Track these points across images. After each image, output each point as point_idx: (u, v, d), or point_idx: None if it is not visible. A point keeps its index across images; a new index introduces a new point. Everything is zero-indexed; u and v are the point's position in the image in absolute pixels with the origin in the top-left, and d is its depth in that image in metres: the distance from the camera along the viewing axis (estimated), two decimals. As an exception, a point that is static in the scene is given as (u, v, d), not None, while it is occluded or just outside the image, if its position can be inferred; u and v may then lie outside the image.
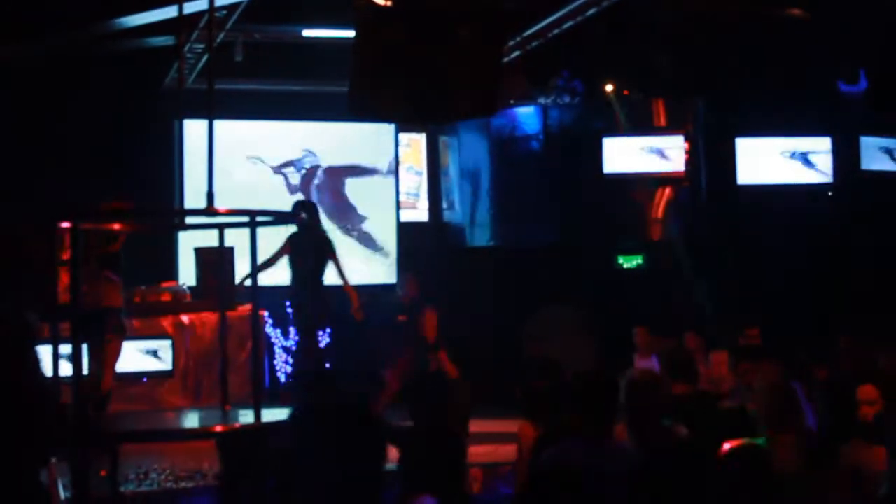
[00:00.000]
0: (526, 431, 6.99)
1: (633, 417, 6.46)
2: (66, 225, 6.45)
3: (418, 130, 15.95)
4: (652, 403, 6.66)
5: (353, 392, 7.31)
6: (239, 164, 14.51)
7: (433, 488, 5.58)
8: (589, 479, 5.93)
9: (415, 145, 16.00)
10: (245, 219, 6.57)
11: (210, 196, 6.51)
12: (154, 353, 11.77)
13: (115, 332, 9.87)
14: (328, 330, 13.99)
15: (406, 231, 15.66)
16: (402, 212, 15.71)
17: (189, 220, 8.01)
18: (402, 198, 15.79)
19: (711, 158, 15.26)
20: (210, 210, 6.46)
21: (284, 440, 5.92)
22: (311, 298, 11.73)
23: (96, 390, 9.54)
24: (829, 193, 15.19)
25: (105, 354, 9.74)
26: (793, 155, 15.03)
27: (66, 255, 7.17)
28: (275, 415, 6.44)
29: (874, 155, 15.36)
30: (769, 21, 13.95)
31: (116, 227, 8.39)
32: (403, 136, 15.78)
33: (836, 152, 15.04)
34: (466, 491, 6.05)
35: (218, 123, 6.98)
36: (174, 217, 7.72)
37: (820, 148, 15.04)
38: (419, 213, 16.05)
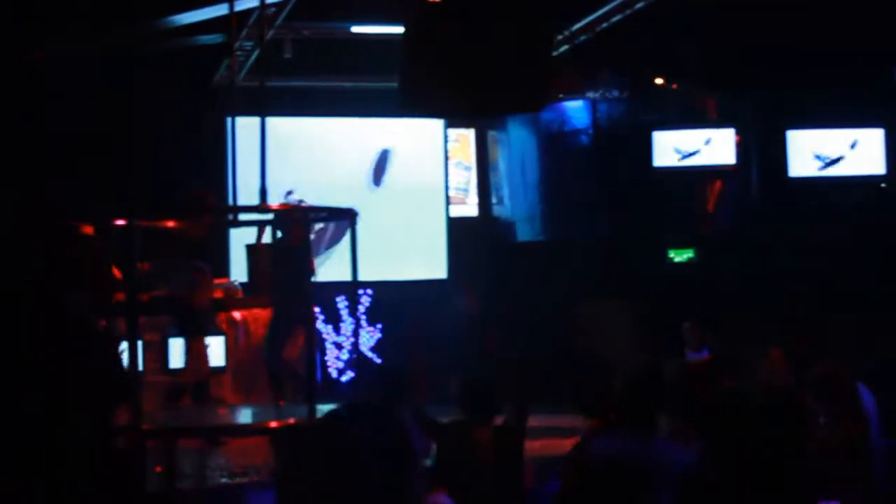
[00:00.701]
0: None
1: (688, 409, 6.46)
2: (121, 222, 6.50)
3: (467, 126, 15.96)
4: (706, 395, 6.65)
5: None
6: (289, 160, 14.56)
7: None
8: (637, 472, 5.96)
9: (463, 140, 16.01)
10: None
11: (263, 193, 6.54)
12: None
13: (204, 324, 10.43)
14: (380, 325, 14.05)
15: (455, 226, 15.66)
16: (451, 207, 15.71)
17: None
18: (451, 193, 15.79)
19: (762, 151, 15.16)
20: (263, 207, 6.49)
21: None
22: None
23: (192, 381, 10.30)
24: (883, 185, 15.05)
25: (195, 346, 10.25)
26: (843, 146, 14.89)
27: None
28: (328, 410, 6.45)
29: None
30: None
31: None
32: (452, 132, 15.79)
33: (890, 143, 14.89)
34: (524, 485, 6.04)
35: (268, 120, 7.01)
36: (228, 214, 7.76)
37: (872, 139, 14.90)
38: (468, 208, 16.05)
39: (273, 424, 6.58)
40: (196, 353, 10.49)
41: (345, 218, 7.16)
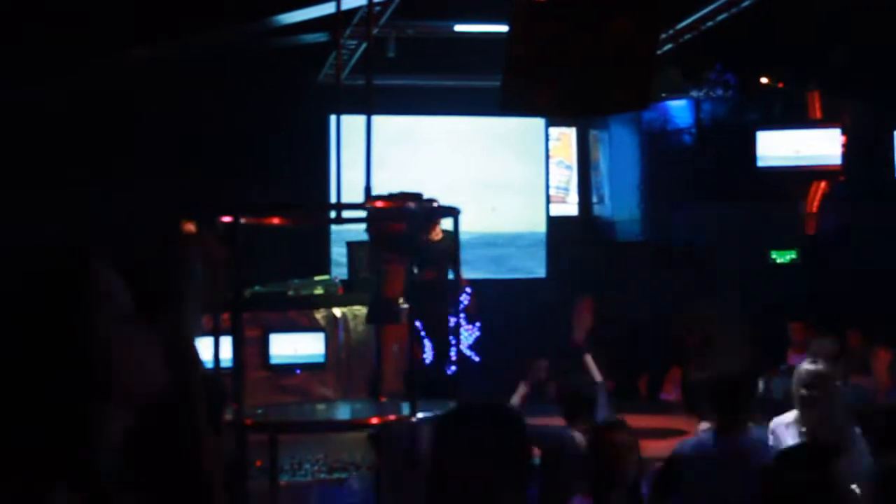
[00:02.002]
0: None
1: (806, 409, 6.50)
2: (227, 219, 6.57)
3: (568, 124, 15.91)
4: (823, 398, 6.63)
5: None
6: (391, 159, 14.65)
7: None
8: (718, 471, 5.97)
9: (565, 139, 15.97)
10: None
11: (367, 190, 6.59)
12: (307, 346, 11.91)
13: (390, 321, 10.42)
14: (478, 324, 14.04)
15: (555, 225, 15.64)
16: (551, 206, 15.69)
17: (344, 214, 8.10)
18: (552, 192, 15.77)
19: (868, 151, 14.93)
20: (367, 204, 6.53)
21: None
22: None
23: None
24: None
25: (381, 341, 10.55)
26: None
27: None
28: (429, 407, 6.48)
29: None
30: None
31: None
32: (553, 131, 15.76)
33: None
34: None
35: (373, 118, 7.06)
36: (332, 211, 7.81)
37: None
38: (569, 207, 16.02)
39: (375, 420, 6.62)
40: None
41: (448, 215, 7.18)
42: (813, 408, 6.67)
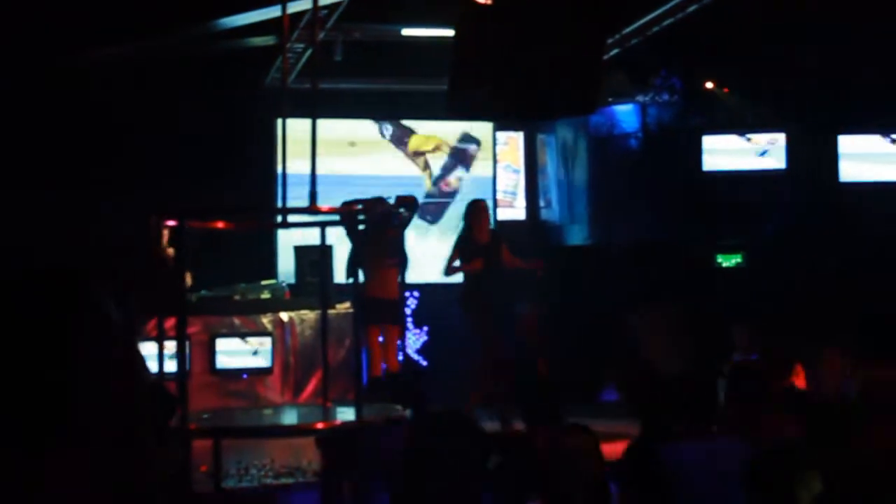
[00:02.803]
0: None
1: (740, 411, 6.49)
2: (171, 223, 6.54)
3: (516, 129, 15.94)
4: (758, 397, 6.65)
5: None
6: (338, 162, 14.63)
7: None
8: (700, 478, 5.96)
9: (512, 143, 16.00)
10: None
11: (313, 195, 6.57)
12: (254, 351, 11.88)
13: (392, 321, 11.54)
14: (426, 328, 14.07)
15: (503, 229, 15.66)
16: (499, 210, 15.71)
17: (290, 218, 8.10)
18: (500, 196, 15.80)
19: (813, 156, 15.06)
20: (312, 209, 6.51)
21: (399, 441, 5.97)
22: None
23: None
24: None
25: (386, 341, 11.54)
26: (892, 151, 14.76)
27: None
28: (375, 412, 6.47)
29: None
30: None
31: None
32: (501, 135, 15.78)
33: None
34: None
35: (318, 122, 7.04)
36: (277, 215, 7.80)
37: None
38: (516, 211, 16.05)
39: (320, 425, 6.60)
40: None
41: (395, 222, 7.18)
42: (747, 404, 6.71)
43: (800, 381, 9.00)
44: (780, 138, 14.63)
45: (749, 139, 14.68)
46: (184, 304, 6.56)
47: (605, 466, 5.94)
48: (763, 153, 14.65)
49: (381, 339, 11.50)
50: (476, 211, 11.92)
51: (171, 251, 8.05)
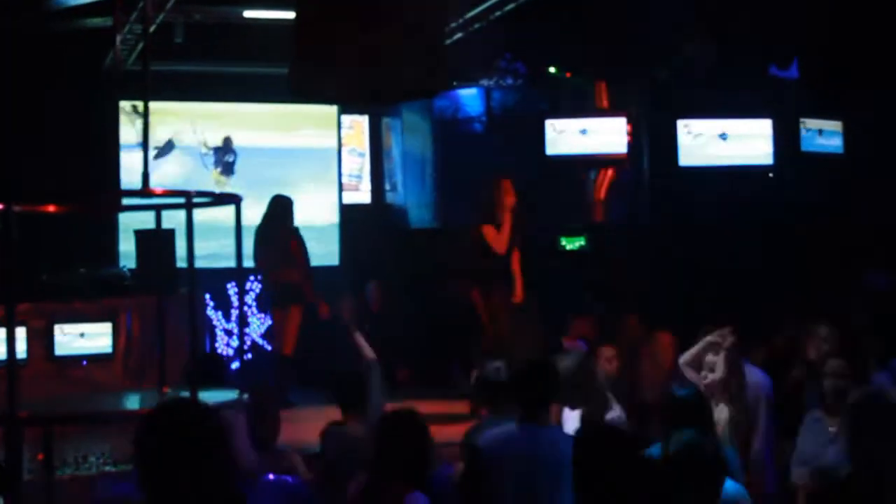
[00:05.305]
0: None
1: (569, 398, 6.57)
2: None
3: (360, 112, 15.90)
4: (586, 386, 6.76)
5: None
6: (178, 145, 14.47)
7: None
8: (523, 464, 6.01)
9: (357, 127, 15.96)
10: (181, 200, 6.53)
11: (145, 177, 6.48)
12: (94, 336, 11.69)
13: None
14: (269, 313, 13.99)
15: (348, 213, 15.65)
16: (344, 194, 15.68)
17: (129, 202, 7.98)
18: (345, 180, 15.77)
19: (653, 140, 15.31)
20: (146, 191, 6.42)
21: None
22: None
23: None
24: (770, 175, 15.28)
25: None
26: (731, 135, 15.06)
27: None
28: (212, 396, 6.42)
29: (813, 137, 15.49)
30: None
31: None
32: (346, 118, 15.74)
33: (777, 134, 15.12)
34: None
35: (159, 105, 6.96)
36: (108, 199, 7.68)
37: (761, 130, 15.11)
38: (362, 195, 16.04)
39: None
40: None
41: (230, 203, 7.11)
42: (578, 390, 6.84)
43: (611, 367, 9.11)
44: (621, 123, 14.81)
45: (590, 123, 14.83)
46: (14, 289, 6.42)
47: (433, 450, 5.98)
48: (605, 138, 14.81)
49: None
50: None
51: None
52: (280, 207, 12.44)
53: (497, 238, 11.63)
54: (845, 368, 7.55)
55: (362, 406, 7.21)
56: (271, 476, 6.30)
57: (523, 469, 6.03)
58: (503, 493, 6.06)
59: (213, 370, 8.60)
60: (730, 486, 5.83)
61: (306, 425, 10.47)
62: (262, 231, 12.35)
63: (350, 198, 15.78)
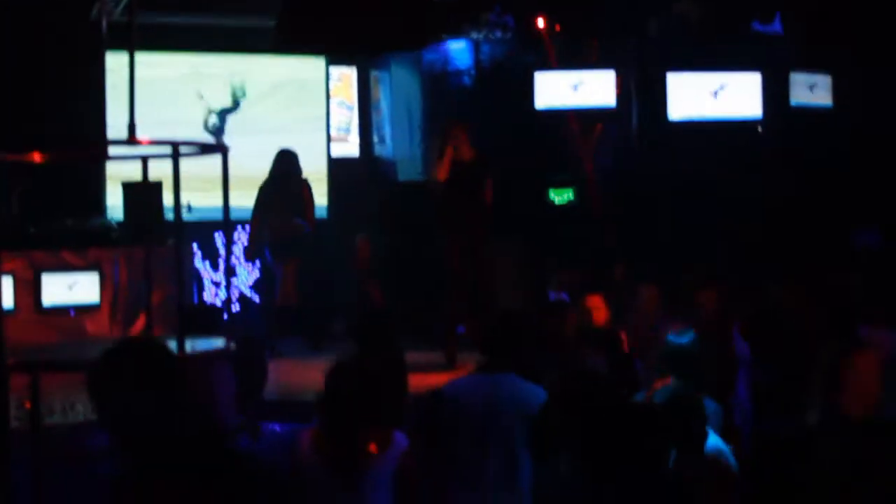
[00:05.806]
0: None
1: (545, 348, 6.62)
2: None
3: (349, 64, 15.83)
4: (561, 334, 6.80)
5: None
6: (166, 97, 14.42)
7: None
8: (478, 409, 6.06)
9: (345, 79, 15.90)
10: (167, 150, 6.52)
11: (132, 127, 6.47)
12: (81, 287, 11.71)
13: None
14: (257, 263, 14.01)
15: (337, 166, 15.63)
16: (332, 146, 15.66)
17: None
18: (333, 132, 15.73)
19: (642, 93, 15.31)
20: (131, 140, 6.41)
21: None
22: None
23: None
24: (759, 129, 15.29)
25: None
26: (721, 89, 15.07)
27: None
28: (198, 345, 6.45)
29: (802, 90, 15.49)
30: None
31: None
32: (334, 71, 15.66)
33: (766, 87, 15.12)
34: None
35: (147, 56, 6.94)
36: (94, 148, 7.67)
37: (749, 83, 15.11)
38: (350, 147, 16.01)
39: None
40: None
41: (217, 152, 7.11)
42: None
43: (599, 316, 9.15)
44: (610, 76, 14.80)
45: (580, 77, 14.82)
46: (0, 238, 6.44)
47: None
48: (594, 91, 14.81)
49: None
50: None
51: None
52: (291, 157, 12.52)
53: (438, 165, 11.59)
54: None
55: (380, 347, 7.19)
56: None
57: (479, 414, 6.10)
58: (458, 438, 6.14)
59: (206, 320, 8.62)
60: (712, 440, 5.90)
61: (294, 373, 10.56)
62: (277, 183, 12.41)
63: (338, 150, 15.75)
